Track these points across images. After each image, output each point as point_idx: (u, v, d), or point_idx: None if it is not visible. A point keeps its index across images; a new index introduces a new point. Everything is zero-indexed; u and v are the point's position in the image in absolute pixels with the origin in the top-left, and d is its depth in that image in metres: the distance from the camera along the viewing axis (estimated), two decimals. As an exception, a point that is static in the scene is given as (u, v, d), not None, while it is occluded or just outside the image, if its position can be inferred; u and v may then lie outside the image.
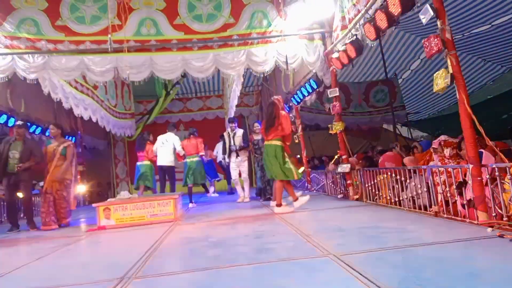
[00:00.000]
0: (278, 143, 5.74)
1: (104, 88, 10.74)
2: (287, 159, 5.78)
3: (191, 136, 8.52)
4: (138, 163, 9.14)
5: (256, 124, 8.09)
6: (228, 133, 8.10)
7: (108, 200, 6.31)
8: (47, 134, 10.28)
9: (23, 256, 4.02)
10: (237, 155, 7.96)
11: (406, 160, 5.57)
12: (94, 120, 10.08)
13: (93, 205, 6.01)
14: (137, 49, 6.85)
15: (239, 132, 8.07)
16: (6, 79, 6.67)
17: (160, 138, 8.58)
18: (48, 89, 7.32)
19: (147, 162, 9.00)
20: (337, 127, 6.90)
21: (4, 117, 8.26)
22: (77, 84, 8.82)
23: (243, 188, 8.18)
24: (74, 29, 6.74)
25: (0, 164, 6.20)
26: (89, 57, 6.72)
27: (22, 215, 7.55)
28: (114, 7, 6.81)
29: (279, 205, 5.68)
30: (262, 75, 7.60)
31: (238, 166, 7.99)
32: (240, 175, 8.10)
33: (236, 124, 8.19)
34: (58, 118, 10.94)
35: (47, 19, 6.69)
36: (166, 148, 8.39)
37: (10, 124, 8.31)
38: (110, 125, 11.43)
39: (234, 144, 7.96)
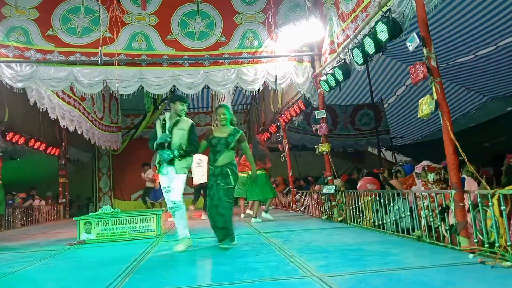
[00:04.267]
0: (263, 172, 7.50)
1: (92, 100, 10.65)
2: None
3: None
4: None
5: None
6: None
7: (90, 214, 6.18)
8: (29, 144, 10.12)
9: (-3, 269, 3.88)
10: None
11: (394, 182, 5.64)
12: (79, 132, 9.94)
13: (74, 218, 5.87)
14: (128, 63, 6.85)
15: None
16: (-9, 87, 6.57)
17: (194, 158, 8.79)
18: (35, 99, 7.22)
19: None
20: (323, 148, 6.95)
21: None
22: (64, 95, 8.74)
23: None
24: (64, 40, 6.72)
25: None
26: (78, 68, 6.69)
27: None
28: (106, 20, 6.84)
29: (266, 211, 7.38)
30: (251, 94, 7.66)
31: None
32: None
33: None
34: (42, 129, 10.79)
35: (37, 29, 6.66)
36: (203, 168, 8.68)
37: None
38: (96, 137, 11.30)
39: None
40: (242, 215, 8.05)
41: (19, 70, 6.49)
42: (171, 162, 4.46)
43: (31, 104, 7.30)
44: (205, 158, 8.96)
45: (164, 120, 4.60)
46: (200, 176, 8.76)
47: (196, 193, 9.25)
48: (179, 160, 4.49)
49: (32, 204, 11.30)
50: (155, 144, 4.51)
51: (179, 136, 4.51)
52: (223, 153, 4.51)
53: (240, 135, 4.65)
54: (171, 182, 4.50)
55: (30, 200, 11.69)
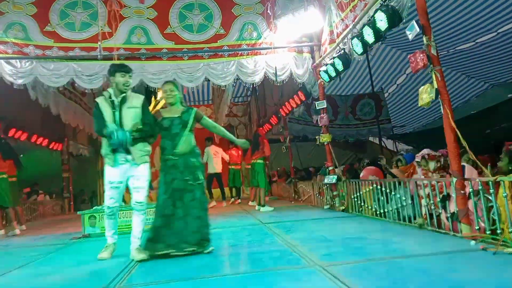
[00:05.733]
0: (262, 161, 7.93)
1: (93, 95, 10.64)
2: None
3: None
4: None
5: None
6: None
7: (94, 208, 6.22)
8: (32, 140, 10.17)
9: (3, 264, 3.93)
10: None
11: (395, 171, 5.66)
12: (81, 127, 9.98)
13: (79, 212, 5.91)
14: (127, 57, 6.84)
15: None
16: (-8, 84, 6.57)
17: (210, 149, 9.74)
18: (36, 95, 7.23)
19: None
20: (324, 138, 6.97)
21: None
22: (65, 90, 8.74)
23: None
24: (63, 35, 6.70)
25: None
26: (78, 63, 6.69)
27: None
28: (104, 15, 6.82)
29: (263, 205, 7.52)
30: (251, 86, 7.66)
31: None
32: None
33: None
34: (45, 124, 10.82)
35: (35, 25, 6.64)
36: (218, 158, 9.80)
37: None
38: (97, 132, 11.32)
39: None
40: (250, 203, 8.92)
41: (19, 67, 6.48)
42: (126, 149, 3.62)
43: (33, 100, 7.32)
44: (220, 150, 9.97)
45: (110, 97, 3.69)
46: (214, 164, 9.51)
47: (208, 184, 9.38)
48: (135, 145, 3.65)
49: (36, 199, 11.37)
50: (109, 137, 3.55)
51: (131, 116, 3.66)
52: (182, 137, 3.75)
53: (195, 112, 3.94)
54: (131, 177, 3.68)
55: (35, 195, 11.76)
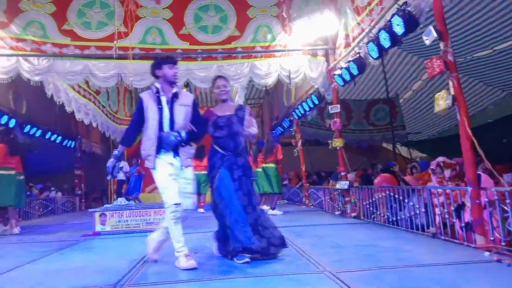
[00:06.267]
0: (274, 165, 7.79)
1: (106, 94, 10.78)
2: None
3: None
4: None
5: None
6: None
7: (105, 206, 6.27)
8: (46, 137, 10.32)
9: (15, 258, 3.97)
10: None
11: (408, 178, 5.57)
12: (94, 125, 10.10)
13: (89, 210, 5.96)
14: (142, 57, 6.89)
15: None
16: (10, 80, 6.68)
17: None
18: (51, 92, 7.34)
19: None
20: (337, 143, 6.90)
21: (5, 118, 8.27)
22: (80, 88, 8.86)
23: None
24: (80, 34, 6.80)
25: None
26: (93, 62, 6.77)
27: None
28: (121, 14, 6.89)
29: (273, 208, 7.54)
30: (264, 88, 7.64)
31: None
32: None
33: None
34: (59, 121, 10.98)
35: (54, 23, 6.74)
36: None
37: (11, 125, 8.31)
38: (110, 130, 11.46)
39: None
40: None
41: (37, 64, 6.59)
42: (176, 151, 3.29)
43: (48, 97, 7.43)
44: None
45: (158, 92, 3.34)
46: None
47: None
48: (184, 146, 3.31)
49: (49, 196, 11.54)
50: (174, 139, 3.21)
51: (182, 115, 3.33)
52: (241, 135, 3.51)
53: (249, 109, 3.68)
54: (185, 180, 3.33)
55: (47, 191, 11.94)
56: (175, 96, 3.34)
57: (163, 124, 3.26)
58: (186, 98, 3.41)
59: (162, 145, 3.25)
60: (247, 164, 3.59)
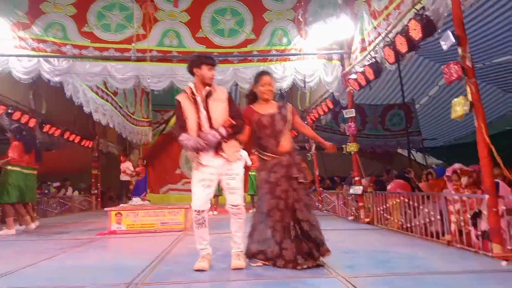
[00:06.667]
0: None
1: (124, 95, 10.94)
2: None
3: None
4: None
5: None
6: None
7: (120, 205, 6.36)
8: (64, 136, 10.52)
9: (31, 255, 4.06)
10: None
11: (423, 184, 5.50)
12: (111, 125, 10.25)
13: (105, 209, 6.05)
14: (159, 59, 6.99)
15: None
16: (31, 81, 6.85)
17: None
18: (70, 93, 7.49)
19: None
20: (351, 148, 6.86)
21: (25, 117, 8.46)
22: (98, 89, 9.02)
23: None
24: (99, 36, 6.94)
25: None
26: (112, 63, 6.90)
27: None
28: (139, 17, 7.01)
29: None
30: (279, 92, 7.65)
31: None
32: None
33: None
34: (77, 122, 11.19)
35: (74, 25, 6.90)
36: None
37: (31, 125, 8.50)
38: (127, 131, 11.62)
39: None
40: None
41: (57, 65, 6.75)
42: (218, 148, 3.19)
43: (67, 97, 7.59)
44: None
45: (193, 93, 3.26)
46: None
47: None
48: (228, 142, 3.22)
49: (66, 194, 11.75)
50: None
51: (219, 111, 3.26)
52: (284, 134, 3.38)
53: (292, 108, 3.51)
54: (225, 176, 3.24)
55: (64, 190, 12.16)
56: (209, 93, 3.26)
57: (202, 123, 3.21)
58: (220, 94, 3.32)
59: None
60: (296, 163, 3.40)
